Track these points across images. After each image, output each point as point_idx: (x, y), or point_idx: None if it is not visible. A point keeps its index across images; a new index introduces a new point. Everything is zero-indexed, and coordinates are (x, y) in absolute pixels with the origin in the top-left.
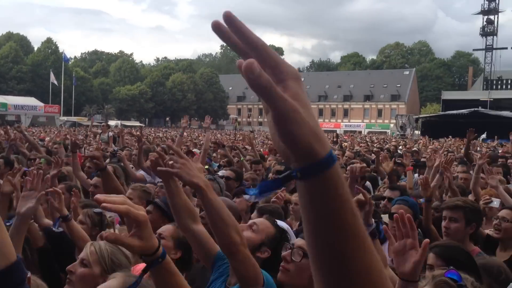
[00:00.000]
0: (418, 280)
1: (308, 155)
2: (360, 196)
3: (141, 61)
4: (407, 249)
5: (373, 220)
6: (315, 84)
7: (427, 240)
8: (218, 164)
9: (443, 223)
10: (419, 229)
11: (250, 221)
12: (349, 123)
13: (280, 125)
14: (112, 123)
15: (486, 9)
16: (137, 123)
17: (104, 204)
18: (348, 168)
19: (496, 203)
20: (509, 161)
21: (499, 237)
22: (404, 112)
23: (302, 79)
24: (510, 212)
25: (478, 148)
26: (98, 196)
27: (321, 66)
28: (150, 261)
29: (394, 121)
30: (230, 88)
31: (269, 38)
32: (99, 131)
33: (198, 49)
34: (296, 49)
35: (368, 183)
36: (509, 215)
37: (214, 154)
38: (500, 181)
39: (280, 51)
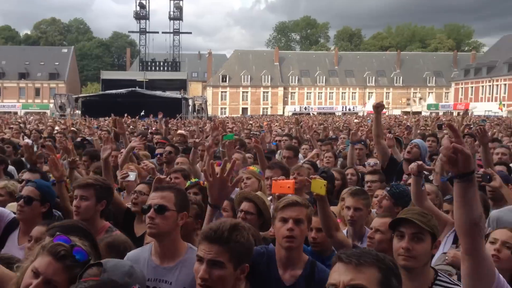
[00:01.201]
0: None
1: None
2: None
3: None
4: None
5: None
6: None
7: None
8: None
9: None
10: None
11: None
12: (2, 104)
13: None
14: None
15: None
16: None
17: None
18: None
19: (132, 176)
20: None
21: None
22: (65, 91)
23: None
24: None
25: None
26: None
27: None
28: None
29: (53, 100)
30: None
31: None
32: None
33: None
34: None
35: (11, 167)
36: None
37: None
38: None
39: None
